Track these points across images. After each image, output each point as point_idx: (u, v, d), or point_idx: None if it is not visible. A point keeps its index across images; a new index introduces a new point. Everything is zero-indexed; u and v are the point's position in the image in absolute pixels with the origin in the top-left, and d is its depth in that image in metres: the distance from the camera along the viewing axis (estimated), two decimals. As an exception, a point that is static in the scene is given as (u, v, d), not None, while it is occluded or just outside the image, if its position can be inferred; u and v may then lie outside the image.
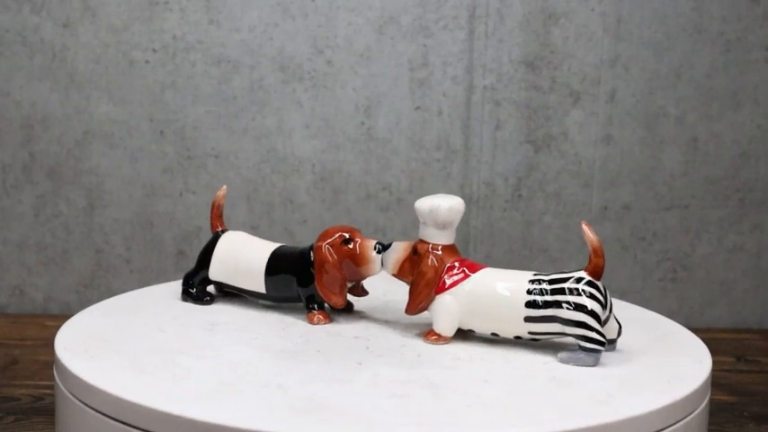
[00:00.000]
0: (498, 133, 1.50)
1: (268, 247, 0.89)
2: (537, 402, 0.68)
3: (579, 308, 0.75)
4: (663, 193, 1.52)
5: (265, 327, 0.85)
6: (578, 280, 0.76)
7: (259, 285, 0.88)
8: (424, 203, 0.81)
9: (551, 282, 0.77)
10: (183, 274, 0.93)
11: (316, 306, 0.86)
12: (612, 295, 0.92)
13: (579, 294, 0.76)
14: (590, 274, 0.77)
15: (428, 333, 0.82)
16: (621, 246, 1.53)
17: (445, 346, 0.81)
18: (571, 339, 0.78)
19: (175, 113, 1.49)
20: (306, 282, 0.86)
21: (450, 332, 0.81)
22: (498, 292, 0.78)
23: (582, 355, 0.76)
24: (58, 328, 0.83)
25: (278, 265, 0.87)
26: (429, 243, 0.81)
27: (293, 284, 0.86)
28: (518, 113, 1.50)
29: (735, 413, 1.14)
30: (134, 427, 0.66)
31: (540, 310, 0.77)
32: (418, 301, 0.81)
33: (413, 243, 0.83)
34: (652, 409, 0.67)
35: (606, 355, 0.78)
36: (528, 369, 0.75)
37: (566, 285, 0.76)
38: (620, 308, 0.95)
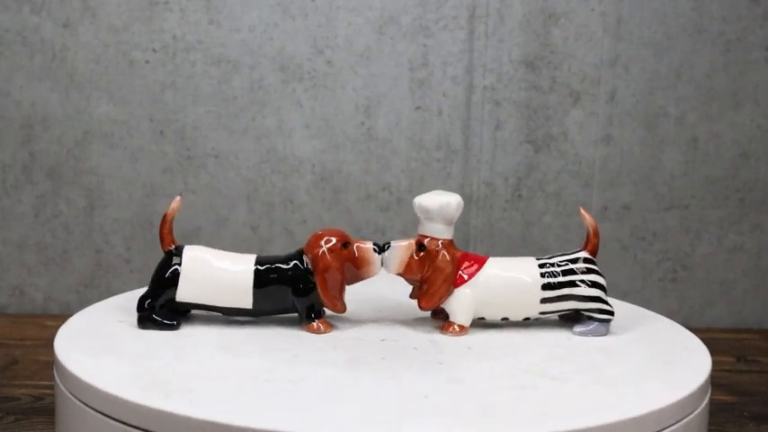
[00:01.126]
0: (498, 133, 1.50)
1: (247, 259, 0.83)
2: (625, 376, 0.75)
3: (592, 284, 0.83)
4: (663, 193, 1.52)
5: (278, 343, 0.80)
6: (583, 259, 0.84)
7: (244, 301, 0.82)
8: (433, 200, 0.82)
9: (559, 264, 0.84)
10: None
11: (314, 315, 0.83)
12: (612, 295, 0.93)
13: (589, 272, 0.84)
14: (589, 252, 0.85)
15: (446, 326, 0.84)
16: (621, 246, 1.53)
17: (472, 335, 0.83)
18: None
19: (175, 113, 1.49)
20: (304, 291, 0.82)
21: (469, 322, 0.83)
22: (516, 279, 0.83)
23: (596, 325, 0.84)
24: (57, 328, 0.83)
25: (268, 276, 0.82)
26: (435, 239, 0.82)
27: (287, 295, 0.82)
28: (518, 113, 1.50)
29: (735, 413, 1.14)
30: (134, 427, 0.66)
31: (555, 291, 0.83)
32: (438, 296, 0.82)
33: (413, 241, 0.83)
34: (652, 409, 0.67)
35: (606, 356, 0.78)
36: (574, 347, 0.81)
37: (575, 265, 0.84)
38: (621, 308, 0.95)
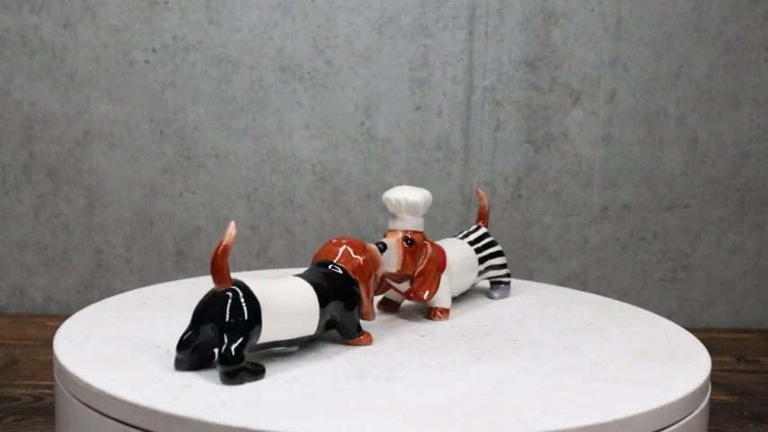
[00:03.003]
0: (498, 133, 1.50)
1: (298, 281, 0.75)
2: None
3: (501, 254, 0.95)
4: (663, 193, 1.52)
5: (357, 360, 0.75)
6: (488, 234, 0.95)
7: (311, 326, 0.74)
8: (418, 195, 0.84)
9: (477, 240, 0.94)
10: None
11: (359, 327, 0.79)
12: (612, 295, 0.94)
13: (496, 244, 0.95)
14: (485, 227, 0.97)
15: (432, 312, 0.87)
16: (621, 246, 1.53)
17: (463, 317, 0.87)
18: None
19: (175, 113, 1.49)
20: (353, 303, 0.77)
21: (450, 305, 0.88)
22: (468, 258, 0.91)
23: (505, 288, 0.96)
24: (57, 328, 0.83)
25: (326, 293, 0.75)
26: (417, 232, 0.84)
27: (338, 312, 0.76)
28: (518, 113, 1.50)
29: (735, 413, 1.14)
30: (134, 426, 0.66)
31: (484, 264, 0.93)
32: (435, 285, 0.85)
33: (401, 236, 0.83)
34: (652, 408, 0.67)
35: (606, 356, 0.78)
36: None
37: (487, 240, 0.94)
38: (620, 308, 0.95)
